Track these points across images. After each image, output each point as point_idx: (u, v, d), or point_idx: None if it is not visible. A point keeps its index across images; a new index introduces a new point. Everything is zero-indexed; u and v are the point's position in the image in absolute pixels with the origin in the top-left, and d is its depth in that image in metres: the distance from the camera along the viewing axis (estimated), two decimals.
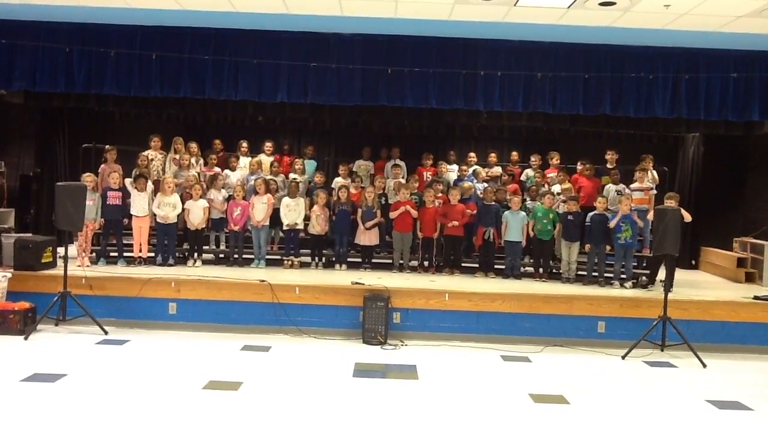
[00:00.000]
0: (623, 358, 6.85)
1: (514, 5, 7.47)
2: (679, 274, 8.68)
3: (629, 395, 5.62)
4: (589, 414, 5.08)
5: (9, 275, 7.46)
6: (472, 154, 10.51)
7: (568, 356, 6.94)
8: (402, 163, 10.35)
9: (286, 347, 6.84)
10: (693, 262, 11.19)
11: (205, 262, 9.01)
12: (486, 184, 9.62)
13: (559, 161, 9.97)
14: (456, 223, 8.80)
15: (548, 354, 6.98)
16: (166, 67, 8.80)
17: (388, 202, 9.40)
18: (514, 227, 8.77)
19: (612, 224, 8.33)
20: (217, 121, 11.93)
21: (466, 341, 7.26)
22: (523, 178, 10.20)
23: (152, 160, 9.31)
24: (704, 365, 6.66)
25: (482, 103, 8.91)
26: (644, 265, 9.05)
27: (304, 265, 9.10)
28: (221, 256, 9.39)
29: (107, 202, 8.52)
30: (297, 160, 10.07)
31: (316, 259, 9.16)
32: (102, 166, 9.16)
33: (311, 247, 9.19)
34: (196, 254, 8.97)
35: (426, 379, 5.87)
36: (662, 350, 7.07)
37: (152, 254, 8.82)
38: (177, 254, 8.93)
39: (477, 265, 9.12)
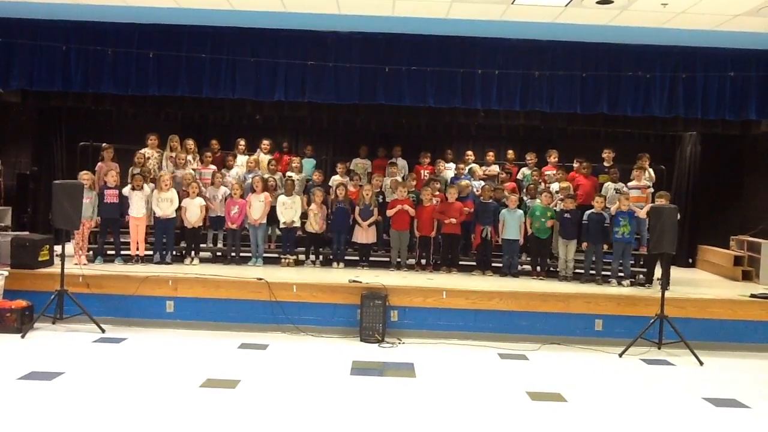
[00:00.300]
0: (620, 356, 6.86)
1: (512, 3, 7.48)
2: (677, 273, 8.71)
3: (626, 393, 5.63)
4: (587, 412, 5.08)
5: (6, 273, 7.44)
6: (470, 153, 10.52)
7: (565, 354, 6.95)
8: (403, 162, 10.36)
9: (283, 345, 6.84)
10: (690, 260, 11.21)
11: (202, 260, 9.00)
12: (483, 182, 9.63)
13: (556, 159, 9.97)
14: (454, 220, 8.80)
15: (545, 352, 6.99)
16: (164, 65, 8.79)
17: (385, 201, 9.40)
18: (512, 225, 8.78)
19: (613, 210, 8.34)
20: (215, 119, 11.92)
21: (463, 339, 7.27)
22: (519, 176, 10.20)
23: (149, 158, 9.30)
24: (701, 363, 6.68)
25: (480, 101, 8.92)
26: (641, 263, 9.06)
27: (299, 262, 9.09)
28: (219, 254, 9.39)
29: (104, 201, 8.51)
30: (294, 158, 10.07)
31: (313, 257, 9.16)
32: (99, 164, 9.15)
33: (308, 245, 9.19)
34: (193, 252, 8.96)
35: (423, 377, 5.87)
36: (659, 348, 7.08)
37: (149, 252, 8.81)
38: (174, 252, 8.92)
39: (474, 264, 9.13)
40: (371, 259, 9.31)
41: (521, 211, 8.90)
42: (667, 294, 7.18)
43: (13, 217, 10.04)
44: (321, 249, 9.27)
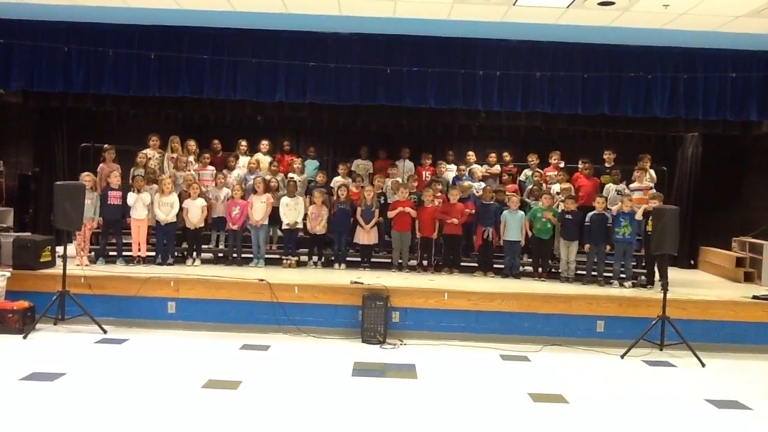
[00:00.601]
0: (622, 357, 6.86)
1: (513, 5, 7.48)
2: (678, 274, 8.71)
3: (628, 394, 5.62)
4: (588, 413, 5.08)
5: (8, 274, 7.45)
6: (471, 153, 10.51)
7: (567, 355, 6.94)
8: (410, 164, 10.36)
9: (285, 346, 6.84)
10: (692, 261, 11.20)
11: (204, 261, 9.01)
12: (483, 183, 9.63)
13: (558, 160, 9.96)
14: (455, 220, 8.80)
15: (547, 353, 6.99)
16: (165, 66, 8.79)
17: (387, 202, 9.40)
18: (513, 227, 8.78)
19: (614, 210, 8.36)
20: (216, 120, 11.89)
21: (465, 340, 7.26)
22: (522, 177, 10.19)
23: (150, 158, 9.30)
24: (703, 364, 6.67)
25: (481, 102, 8.91)
26: (643, 264, 9.05)
27: (301, 264, 9.09)
28: (220, 255, 9.39)
29: (108, 202, 8.52)
30: (296, 159, 10.06)
31: (315, 258, 9.16)
32: (101, 165, 9.15)
33: (310, 247, 9.18)
34: (195, 253, 8.97)
35: (425, 379, 5.87)
36: (661, 349, 7.08)
37: (151, 253, 8.82)
38: (176, 253, 8.93)
39: (476, 265, 9.13)
40: (373, 260, 9.32)
41: (522, 213, 8.90)
42: (668, 295, 7.16)
43: (14, 218, 10.02)
44: (322, 250, 9.26)
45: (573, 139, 11.31)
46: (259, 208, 8.92)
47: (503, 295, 7.56)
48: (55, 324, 7.17)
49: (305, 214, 9.05)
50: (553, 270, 9.01)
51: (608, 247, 8.50)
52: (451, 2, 7.47)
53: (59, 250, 7.80)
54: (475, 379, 5.91)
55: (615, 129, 10.13)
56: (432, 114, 9.48)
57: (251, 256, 9.03)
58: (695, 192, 11.42)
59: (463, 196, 9.19)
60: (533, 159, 10.13)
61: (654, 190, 8.97)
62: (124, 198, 8.60)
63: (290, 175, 9.66)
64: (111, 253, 8.74)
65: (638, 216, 8.42)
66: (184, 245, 9.15)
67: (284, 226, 9.08)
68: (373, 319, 7.13)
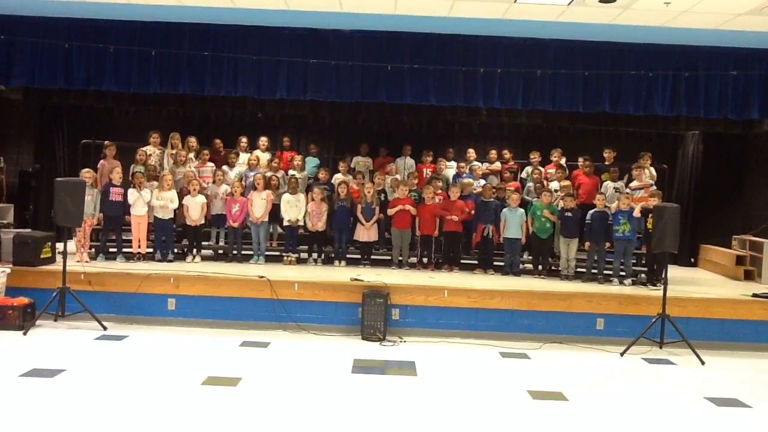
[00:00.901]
0: (622, 355, 6.86)
1: (514, 2, 7.47)
2: (679, 272, 8.71)
3: (628, 392, 5.62)
4: (588, 411, 5.08)
5: (8, 271, 7.46)
6: (471, 151, 10.50)
7: (566, 353, 6.94)
8: (411, 161, 10.35)
9: (285, 343, 6.84)
10: (692, 259, 11.20)
11: (204, 258, 9.01)
12: (484, 181, 9.62)
13: (559, 158, 9.94)
14: (456, 217, 8.80)
15: (547, 351, 6.98)
16: (166, 63, 8.78)
17: (387, 199, 9.40)
18: (513, 224, 8.78)
19: (613, 208, 8.35)
20: (217, 117, 11.90)
21: (465, 338, 7.26)
22: (523, 175, 10.19)
23: (150, 155, 9.30)
24: (703, 362, 6.67)
25: (482, 100, 8.90)
26: (643, 262, 9.05)
27: (301, 261, 9.10)
28: (220, 252, 9.39)
29: (109, 198, 8.52)
30: (296, 156, 10.06)
31: (315, 255, 9.16)
32: (101, 161, 9.16)
33: (310, 244, 9.19)
34: (195, 250, 8.97)
35: (425, 376, 5.87)
36: (661, 347, 7.08)
37: (151, 250, 8.82)
38: (176, 250, 8.93)
39: (476, 262, 9.14)
40: (373, 257, 9.32)
41: (522, 210, 8.90)
42: (668, 293, 7.17)
43: (15, 215, 10.04)
44: (323, 247, 9.27)
45: (574, 137, 11.32)
46: (259, 204, 8.92)
47: (503, 292, 7.56)
48: (55, 320, 7.18)
49: (306, 212, 9.05)
50: (553, 268, 9.02)
51: (608, 245, 8.50)
52: None
53: (59, 246, 7.80)
54: (474, 377, 5.92)
55: (616, 127, 10.12)
56: (433, 111, 9.46)
57: (251, 253, 9.04)
58: (696, 190, 11.42)
59: (464, 194, 9.19)
60: (535, 156, 10.11)
61: (654, 187, 8.97)
62: (125, 194, 8.60)
63: (291, 172, 9.66)
64: (111, 250, 8.74)
65: (636, 213, 8.42)
66: (184, 242, 9.15)
67: (285, 223, 9.08)
68: (373, 317, 7.13)
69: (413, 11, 7.97)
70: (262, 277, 7.54)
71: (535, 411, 5.03)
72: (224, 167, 9.60)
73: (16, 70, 8.74)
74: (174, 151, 9.40)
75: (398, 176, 9.93)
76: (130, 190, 8.58)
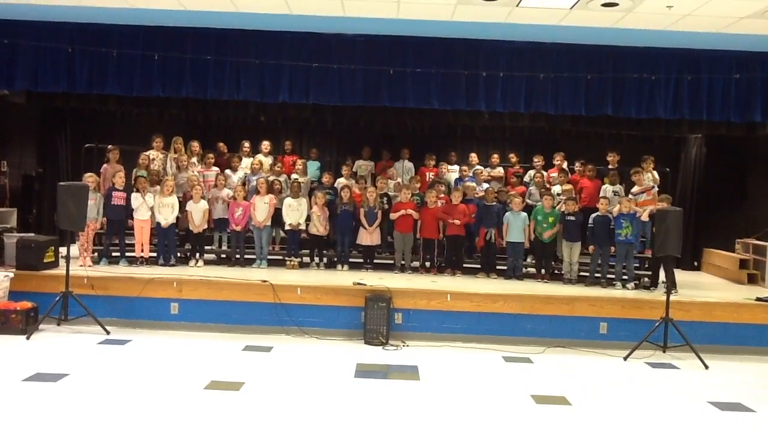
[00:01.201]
0: (625, 359, 6.85)
1: (517, 6, 7.47)
2: (682, 276, 8.69)
3: (631, 396, 5.61)
4: (591, 415, 5.07)
5: (11, 275, 7.47)
6: (473, 155, 10.50)
7: (569, 357, 6.93)
8: (409, 165, 10.36)
9: (287, 347, 6.84)
10: (695, 263, 11.19)
11: (206, 263, 9.02)
12: (487, 185, 9.62)
13: (561, 161, 9.93)
14: (458, 221, 8.80)
15: (550, 355, 6.98)
16: (168, 67, 8.78)
17: (390, 202, 9.40)
18: (516, 228, 8.77)
19: (615, 212, 8.35)
20: (219, 121, 11.94)
21: (467, 342, 7.26)
22: (526, 179, 10.18)
23: (153, 159, 9.32)
24: (706, 366, 6.66)
25: (484, 103, 8.89)
26: (646, 266, 9.04)
27: (303, 265, 9.10)
28: (223, 256, 9.40)
29: (111, 202, 8.54)
30: (299, 160, 10.07)
31: (317, 259, 9.16)
32: (104, 165, 9.17)
33: (312, 248, 9.19)
34: (197, 254, 8.98)
35: (427, 380, 5.86)
36: (664, 351, 7.07)
37: (154, 254, 8.83)
38: (179, 254, 8.94)
39: (479, 266, 9.13)
40: (375, 261, 9.31)
41: (525, 214, 8.89)
42: (672, 297, 7.17)
43: (18, 219, 10.06)
44: (325, 251, 9.27)
45: (576, 140, 11.30)
46: (261, 209, 8.92)
47: (506, 296, 7.56)
48: (58, 324, 7.19)
49: (308, 215, 9.05)
50: (555, 271, 9.01)
51: (612, 249, 8.49)
52: (455, 3, 7.47)
53: (62, 250, 7.82)
54: (477, 381, 5.91)
55: (618, 130, 10.11)
56: (435, 115, 9.45)
57: (254, 257, 9.04)
58: (699, 193, 11.41)
59: (467, 198, 9.19)
60: (539, 160, 10.10)
61: (656, 189, 8.95)
62: (127, 199, 8.61)
63: (293, 176, 9.66)
64: (114, 254, 8.76)
65: (644, 217, 8.41)
66: (187, 246, 9.15)
67: (286, 227, 9.08)
68: (376, 321, 7.13)
69: (416, 15, 7.97)
70: (264, 281, 7.55)
71: (539, 415, 5.02)
72: (227, 171, 9.62)
73: (19, 73, 8.75)
74: (177, 155, 9.41)
75: (400, 179, 9.92)
76: (134, 195, 8.60)
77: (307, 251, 9.25)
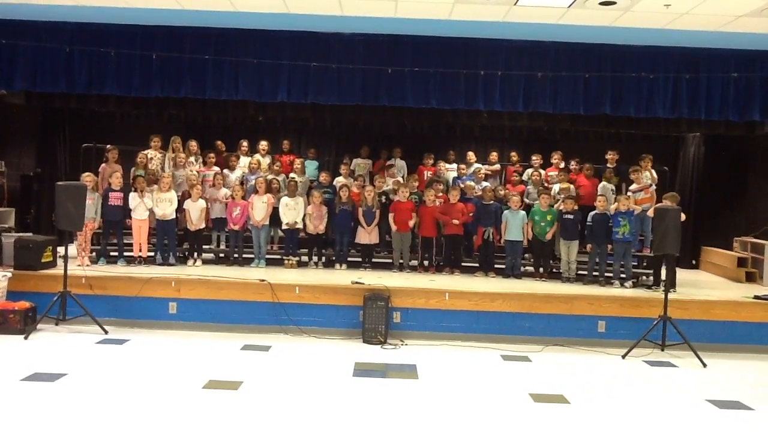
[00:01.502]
0: (623, 357, 6.85)
1: (515, 5, 7.47)
2: (680, 274, 8.68)
3: (629, 395, 5.62)
4: (590, 413, 5.07)
5: (9, 275, 7.46)
6: (471, 154, 10.50)
7: (568, 356, 6.94)
8: (400, 163, 10.34)
9: (286, 347, 6.84)
10: (694, 261, 11.20)
11: (205, 262, 9.02)
12: (487, 183, 9.62)
13: (559, 160, 9.94)
14: (457, 221, 8.80)
15: (548, 354, 6.98)
16: (167, 67, 8.78)
17: (389, 201, 9.40)
18: (514, 227, 8.77)
19: (612, 209, 8.35)
20: (218, 120, 11.95)
21: (466, 341, 7.26)
22: (524, 177, 10.18)
23: (151, 159, 9.32)
24: (705, 365, 6.66)
25: (483, 102, 8.89)
26: (644, 264, 9.04)
27: (302, 264, 9.10)
28: (221, 255, 9.40)
29: (108, 203, 8.54)
30: (297, 159, 10.07)
31: (316, 258, 9.16)
32: (102, 165, 9.17)
33: (311, 247, 9.19)
34: (196, 254, 8.98)
35: (426, 379, 5.86)
36: (663, 350, 7.07)
37: (152, 254, 8.83)
38: (177, 254, 8.93)
39: (477, 265, 9.13)
40: (374, 260, 9.32)
41: (524, 213, 8.89)
42: (670, 296, 7.17)
43: (16, 219, 10.05)
44: (323, 250, 9.27)
45: (575, 139, 11.31)
46: (260, 208, 8.92)
47: (504, 295, 7.56)
48: (56, 324, 7.18)
49: (305, 214, 9.05)
50: (554, 270, 9.01)
51: (609, 247, 8.49)
52: (453, 2, 7.47)
53: (60, 250, 7.81)
54: (476, 380, 5.91)
55: (617, 129, 10.12)
56: (434, 114, 9.46)
57: (252, 256, 9.04)
58: (697, 192, 11.41)
59: (466, 196, 9.19)
60: (537, 159, 10.11)
61: (654, 187, 8.95)
62: (125, 198, 8.61)
63: (291, 175, 9.67)
64: (112, 254, 8.75)
65: (650, 213, 8.40)
66: (185, 246, 9.15)
67: (284, 226, 9.08)
68: (375, 320, 7.13)
69: (414, 14, 7.97)
70: (263, 280, 7.55)
71: (537, 414, 5.03)
72: (225, 171, 9.62)
73: (17, 74, 8.74)
74: (175, 155, 9.41)
75: (399, 178, 9.92)
76: (131, 194, 8.59)
77: (306, 250, 9.25)
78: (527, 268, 9.27)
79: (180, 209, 8.88)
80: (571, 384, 5.84)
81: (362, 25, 8.51)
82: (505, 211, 8.88)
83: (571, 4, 7.41)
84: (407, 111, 9.38)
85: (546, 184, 9.61)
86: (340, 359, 6.38)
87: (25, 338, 6.72)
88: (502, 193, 9.33)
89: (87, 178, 8.34)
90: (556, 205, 8.87)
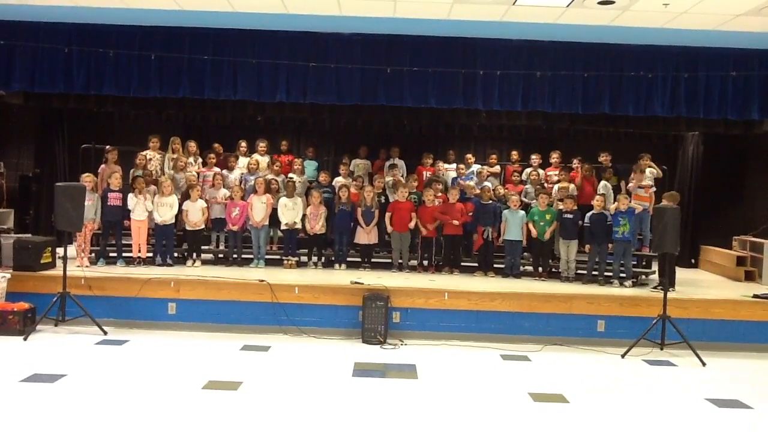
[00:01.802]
0: (623, 356, 6.85)
1: (513, 4, 7.47)
2: (679, 273, 8.69)
3: (629, 394, 5.62)
4: (589, 413, 5.08)
5: (8, 276, 7.46)
6: (470, 156, 10.49)
7: (567, 355, 6.94)
8: (400, 163, 10.34)
9: (285, 347, 6.84)
10: (693, 260, 11.20)
11: (204, 262, 9.01)
12: (487, 183, 9.61)
13: (558, 159, 9.94)
14: (456, 222, 8.80)
15: (548, 353, 6.98)
16: (165, 67, 8.78)
17: (388, 201, 9.40)
18: (514, 226, 8.77)
19: (612, 209, 8.35)
20: (216, 121, 11.94)
21: (465, 340, 7.26)
22: (523, 177, 10.18)
23: (150, 159, 9.32)
24: (704, 364, 6.66)
25: (481, 102, 8.89)
26: (644, 263, 9.05)
27: (301, 264, 9.10)
28: (220, 256, 9.40)
29: (108, 203, 8.53)
30: (296, 160, 10.07)
31: (315, 258, 9.16)
32: (102, 166, 9.16)
33: (310, 247, 9.19)
34: (195, 254, 8.97)
35: (425, 379, 5.86)
36: (662, 349, 7.07)
37: (151, 254, 8.82)
38: (176, 254, 8.93)
39: (476, 265, 9.13)
40: (373, 260, 9.32)
41: (523, 212, 8.90)
42: (669, 295, 7.17)
43: (15, 219, 10.05)
44: (323, 250, 9.27)
45: (574, 139, 11.32)
46: (259, 208, 8.92)
47: (504, 294, 7.56)
48: (55, 325, 7.18)
49: (303, 215, 9.04)
50: (553, 270, 9.01)
51: (609, 246, 8.49)
52: (451, 2, 7.47)
53: (60, 251, 7.81)
54: (475, 379, 5.91)
55: (616, 128, 10.11)
56: (433, 114, 9.47)
57: (251, 256, 9.04)
58: (696, 191, 11.41)
59: (466, 196, 9.19)
60: (536, 158, 10.10)
61: (654, 189, 8.95)
62: (124, 199, 8.60)
63: (290, 175, 9.66)
64: (111, 254, 8.74)
65: (650, 210, 8.41)
66: (184, 246, 9.15)
67: (282, 227, 9.08)
68: (374, 320, 7.13)
69: (412, 14, 7.97)
70: (262, 280, 7.55)
71: (536, 413, 5.03)
72: (224, 171, 9.62)
73: (16, 74, 8.73)
74: (175, 156, 9.40)
75: (401, 178, 9.92)
76: (130, 195, 8.59)
77: (305, 251, 9.25)
78: (526, 267, 9.27)
79: (179, 210, 8.87)
80: (571, 383, 5.85)
81: (361, 25, 8.51)
82: (505, 211, 8.88)
83: (569, 4, 7.42)
84: (406, 111, 9.39)
85: (545, 184, 9.60)
86: (340, 359, 6.38)
87: (25, 339, 6.72)
88: (501, 192, 9.34)
89: (86, 178, 8.33)
90: (554, 205, 8.86)
